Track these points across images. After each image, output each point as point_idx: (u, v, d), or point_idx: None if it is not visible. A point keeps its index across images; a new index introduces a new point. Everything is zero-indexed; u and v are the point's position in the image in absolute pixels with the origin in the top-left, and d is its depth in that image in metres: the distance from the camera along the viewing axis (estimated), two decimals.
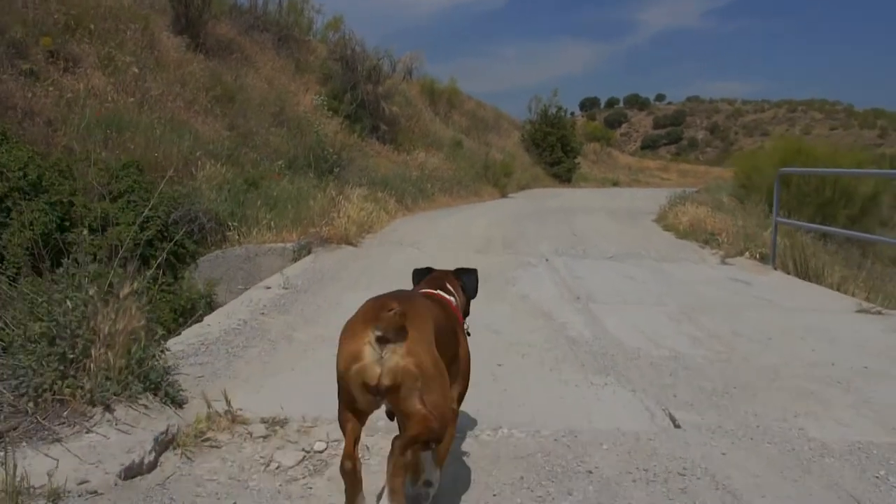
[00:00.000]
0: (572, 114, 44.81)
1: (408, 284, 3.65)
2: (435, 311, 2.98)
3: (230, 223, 10.30)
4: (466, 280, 3.61)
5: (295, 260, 9.41)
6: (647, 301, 7.65)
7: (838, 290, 8.66)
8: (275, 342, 5.68)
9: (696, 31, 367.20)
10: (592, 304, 7.34)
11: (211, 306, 8.00)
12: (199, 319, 6.28)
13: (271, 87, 20.93)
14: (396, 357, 2.54)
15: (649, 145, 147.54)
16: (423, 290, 3.33)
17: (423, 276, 3.61)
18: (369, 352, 2.54)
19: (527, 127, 42.23)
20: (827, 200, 15.63)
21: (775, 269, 9.72)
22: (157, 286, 6.07)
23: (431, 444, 2.66)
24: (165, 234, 9.19)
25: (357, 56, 24.30)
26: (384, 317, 2.52)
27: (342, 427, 2.69)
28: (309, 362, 5.16)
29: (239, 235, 10.09)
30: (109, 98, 13.48)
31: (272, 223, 10.40)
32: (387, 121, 24.85)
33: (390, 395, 2.56)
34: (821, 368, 5.26)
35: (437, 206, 19.73)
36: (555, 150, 39.97)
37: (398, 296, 2.84)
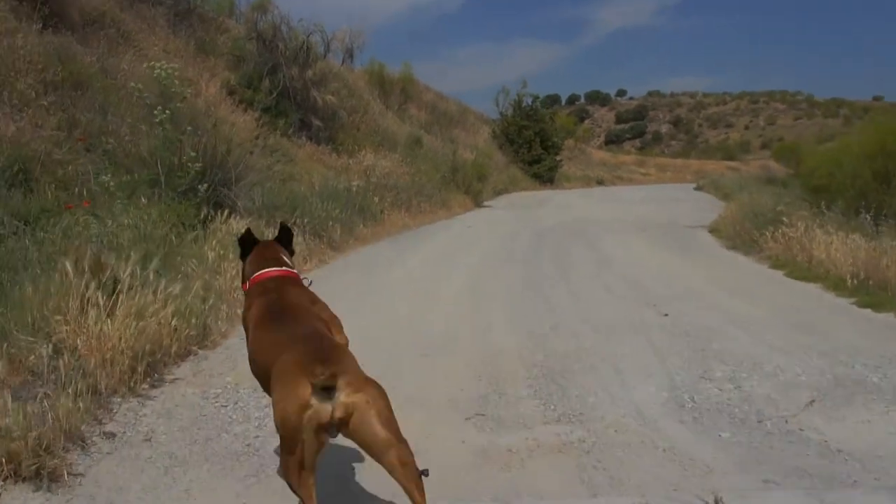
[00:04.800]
0: (549, 104, 39.34)
1: None
2: (310, 300, 3.43)
3: None
4: (288, 241, 3.69)
5: None
6: None
7: None
8: None
9: (650, 28, 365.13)
10: None
11: None
12: None
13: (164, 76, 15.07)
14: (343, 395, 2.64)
15: (613, 140, 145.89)
16: (276, 273, 3.43)
17: (250, 247, 3.56)
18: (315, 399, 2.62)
19: (498, 121, 36.39)
20: None
21: None
22: None
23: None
24: None
25: (279, 33, 18.44)
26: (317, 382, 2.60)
27: (303, 488, 2.67)
28: None
29: None
30: None
31: None
32: (321, 115, 19.01)
33: (344, 428, 2.67)
34: None
35: (386, 230, 13.77)
36: (533, 146, 34.26)
37: (316, 350, 2.86)
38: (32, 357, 3.93)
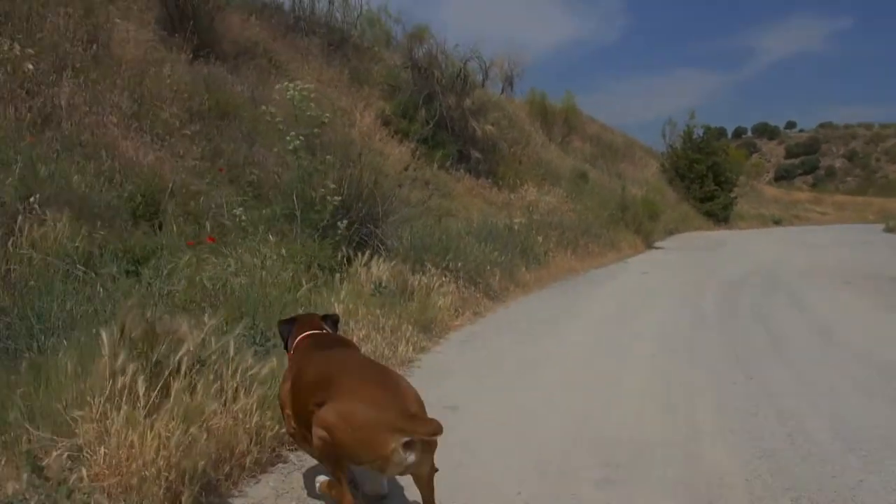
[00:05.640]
0: (716, 137, 36.54)
1: None
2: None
3: None
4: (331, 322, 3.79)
5: None
6: None
7: None
8: None
9: (820, 55, 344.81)
10: None
11: None
12: None
13: (313, 101, 14.26)
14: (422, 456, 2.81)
15: (783, 175, 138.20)
16: (330, 337, 3.59)
17: (291, 324, 3.62)
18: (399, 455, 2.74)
19: (666, 154, 33.95)
20: None
21: None
22: None
23: None
24: None
25: (434, 60, 17.32)
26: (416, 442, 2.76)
27: (342, 471, 2.91)
28: None
29: None
30: None
31: None
32: (480, 146, 17.71)
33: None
34: None
35: (551, 275, 12.00)
36: (705, 181, 31.54)
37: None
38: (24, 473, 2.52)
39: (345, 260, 7.18)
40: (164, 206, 7.79)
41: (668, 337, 7.51)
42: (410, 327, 6.42)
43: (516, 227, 12.57)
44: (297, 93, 7.98)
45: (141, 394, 2.91)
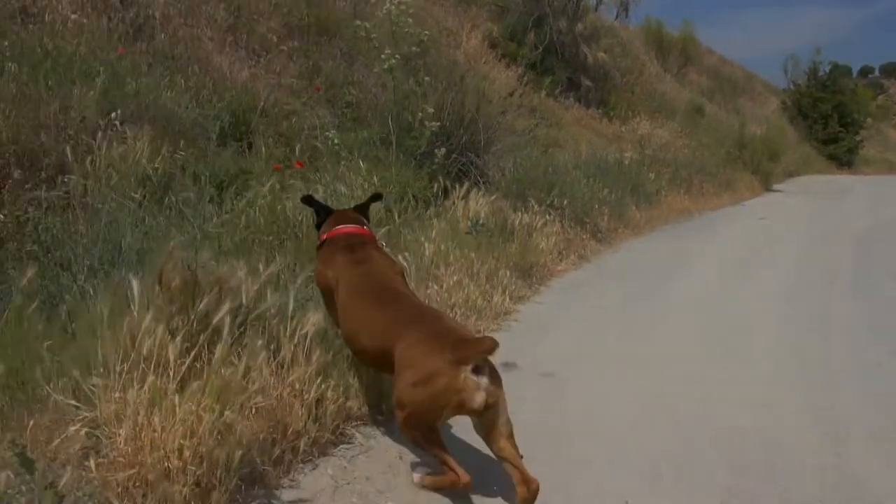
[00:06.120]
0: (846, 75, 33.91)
1: None
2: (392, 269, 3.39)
3: None
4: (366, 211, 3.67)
5: None
6: None
7: None
8: None
9: None
10: None
11: None
12: None
13: (416, 22, 13.58)
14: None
15: None
16: (354, 230, 3.41)
17: (327, 214, 3.55)
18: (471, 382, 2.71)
19: (789, 91, 31.72)
20: None
21: None
22: None
23: None
24: None
25: None
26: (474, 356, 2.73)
27: (441, 447, 2.82)
28: None
29: None
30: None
31: None
32: (591, 74, 16.69)
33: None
34: None
35: (663, 216, 11.09)
36: (829, 122, 29.34)
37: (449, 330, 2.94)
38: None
39: (440, 192, 6.58)
40: (255, 125, 7.34)
41: (795, 300, 6.65)
42: (508, 272, 5.79)
43: (627, 163, 11.69)
44: (394, 7, 7.31)
45: (172, 361, 2.39)
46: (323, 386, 3.07)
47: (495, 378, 2.75)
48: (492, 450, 2.83)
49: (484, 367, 2.72)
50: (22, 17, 6.82)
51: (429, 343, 2.80)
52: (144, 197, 4.58)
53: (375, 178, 6.15)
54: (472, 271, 5.43)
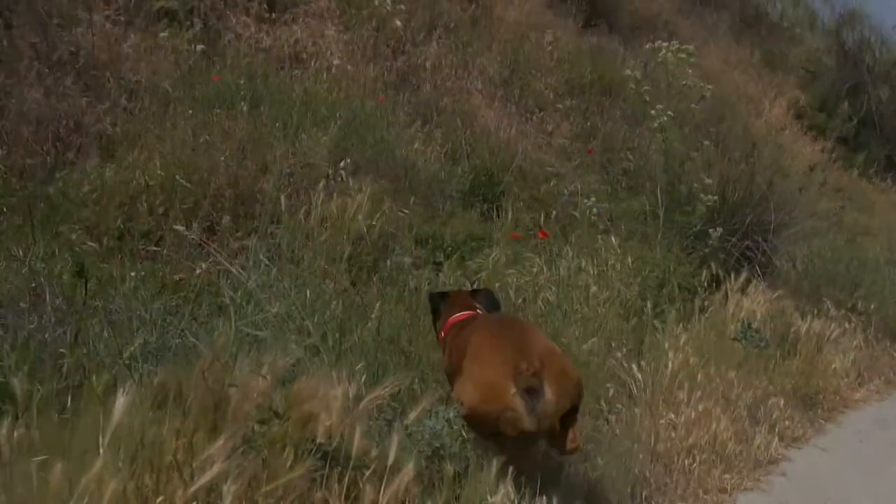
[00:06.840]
0: None
1: None
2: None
3: None
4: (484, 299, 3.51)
5: None
6: None
7: None
8: None
9: None
10: None
11: None
12: None
13: (714, 84, 12.69)
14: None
15: None
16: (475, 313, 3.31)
17: (443, 299, 3.47)
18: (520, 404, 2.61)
19: None
20: None
21: None
22: None
23: None
24: None
25: (866, 43, 14.93)
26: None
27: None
28: None
29: None
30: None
31: None
32: None
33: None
34: None
35: None
36: None
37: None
38: None
39: (710, 281, 5.43)
40: (507, 187, 6.72)
41: None
42: (782, 400, 4.44)
43: None
44: (671, 54, 6.40)
45: None
46: None
47: (558, 404, 2.62)
48: None
49: (541, 390, 2.58)
50: (291, 63, 6.84)
51: (498, 345, 2.76)
52: (350, 260, 4.04)
53: (629, 259, 5.17)
54: (730, 397, 4.17)
